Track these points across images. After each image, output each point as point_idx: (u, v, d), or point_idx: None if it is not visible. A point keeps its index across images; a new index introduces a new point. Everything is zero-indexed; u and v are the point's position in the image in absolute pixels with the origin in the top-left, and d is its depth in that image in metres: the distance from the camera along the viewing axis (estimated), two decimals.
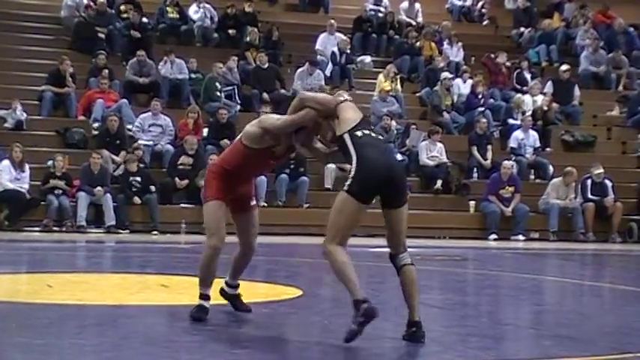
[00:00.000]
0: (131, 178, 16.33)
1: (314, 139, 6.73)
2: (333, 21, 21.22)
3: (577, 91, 20.91)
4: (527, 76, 21.09)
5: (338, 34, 21.00)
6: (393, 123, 18.68)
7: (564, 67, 21.12)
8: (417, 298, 6.32)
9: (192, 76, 19.17)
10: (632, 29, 23.38)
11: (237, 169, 6.81)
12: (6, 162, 15.89)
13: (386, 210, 6.34)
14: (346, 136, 6.25)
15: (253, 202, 7.13)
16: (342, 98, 6.50)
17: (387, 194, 6.27)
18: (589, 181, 17.94)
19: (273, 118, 6.84)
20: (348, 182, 6.20)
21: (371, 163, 6.17)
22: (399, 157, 17.27)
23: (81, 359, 5.61)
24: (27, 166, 16.00)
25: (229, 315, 7.24)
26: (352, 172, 6.20)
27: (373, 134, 6.41)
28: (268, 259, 12.30)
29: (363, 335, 6.21)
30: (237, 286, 7.24)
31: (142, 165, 16.70)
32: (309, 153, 6.91)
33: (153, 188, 16.29)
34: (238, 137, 6.96)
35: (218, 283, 7.10)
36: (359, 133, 6.27)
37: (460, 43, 21.71)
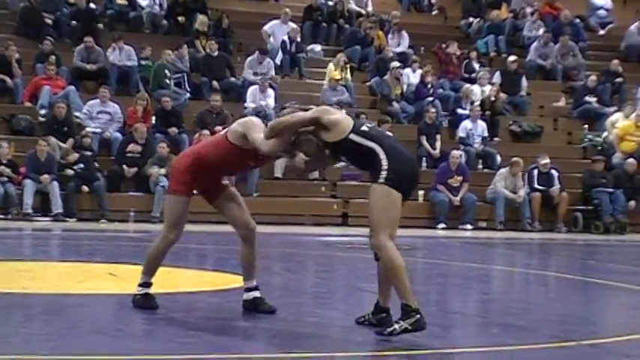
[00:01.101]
0: (79, 166, 16.19)
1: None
2: (288, 9, 21.18)
3: (524, 82, 21.07)
4: (476, 66, 21.21)
5: (289, 23, 20.96)
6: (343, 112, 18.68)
7: (512, 58, 21.25)
8: (390, 286, 6.34)
9: (142, 63, 19.04)
10: (577, 20, 23.59)
11: (215, 164, 6.67)
12: None
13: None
14: (353, 136, 6.16)
15: (225, 181, 6.96)
16: (314, 108, 6.44)
17: (413, 186, 6.35)
18: (535, 171, 18.08)
19: (259, 132, 6.47)
20: (383, 175, 6.06)
21: (401, 153, 6.19)
22: None
23: (27, 348, 5.57)
24: None
25: (175, 303, 7.23)
26: (384, 164, 6.07)
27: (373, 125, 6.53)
28: (218, 247, 12.31)
29: (313, 321, 6.23)
30: (256, 288, 7.01)
31: (88, 153, 16.56)
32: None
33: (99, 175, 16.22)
34: (224, 131, 6.85)
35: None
36: (365, 128, 6.23)
37: (404, 32, 21.70)
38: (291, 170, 6.67)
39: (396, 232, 6.25)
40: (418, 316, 6.03)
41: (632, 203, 18.26)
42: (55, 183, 15.81)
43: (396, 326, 6.06)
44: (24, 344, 5.71)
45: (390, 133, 6.55)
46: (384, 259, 6.16)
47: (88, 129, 17.13)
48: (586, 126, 20.58)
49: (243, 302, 7.00)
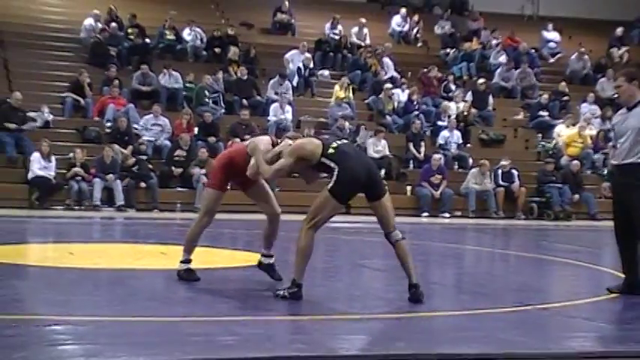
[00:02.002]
0: (137, 167, 16.23)
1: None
2: (305, 42, 21.16)
3: (491, 100, 21.01)
4: (453, 87, 21.17)
5: (305, 53, 20.93)
6: (347, 124, 18.70)
7: (481, 80, 21.21)
8: (411, 265, 6.27)
9: (187, 85, 19.04)
10: (533, 51, 23.56)
11: (242, 165, 6.66)
12: (36, 154, 15.72)
13: (370, 202, 6.28)
14: (323, 159, 6.15)
15: None
16: (289, 142, 6.37)
17: (368, 191, 6.25)
18: (499, 171, 18.07)
19: (260, 155, 6.45)
20: (330, 185, 6.10)
21: (352, 171, 6.10)
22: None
23: (95, 311, 5.58)
24: (53, 157, 15.83)
25: (213, 277, 7.24)
26: (334, 177, 6.09)
27: (345, 141, 6.37)
28: (248, 232, 12.32)
29: (326, 290, 6.24)
30: (271, 256, 7.08)
31: (143, 157, 16.58)
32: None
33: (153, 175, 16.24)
34: (247, 142, 6.83)
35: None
36: (331, 150, 6.17)
37: (387, 59, 21.53)
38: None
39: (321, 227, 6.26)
40: (296, 289, 6.06)
41: (576, 196, 18.22)
42: (118, 181, 15.84)
43: (281, 292, 6.12)
44: (93, 308, 5.73)
45: (352, 146, 6.36)
46: (298, 241, 6.19)
47: (143, 138, 17.16)
48: (540, 135, 20.52)
49: (259, 263, 7.08)
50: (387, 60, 21.53)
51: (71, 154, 16.11)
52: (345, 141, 6.42)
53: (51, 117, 17.41)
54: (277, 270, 7.02)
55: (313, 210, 6.19)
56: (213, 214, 6.83)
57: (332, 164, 6.12)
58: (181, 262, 6.88)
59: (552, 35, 24.74)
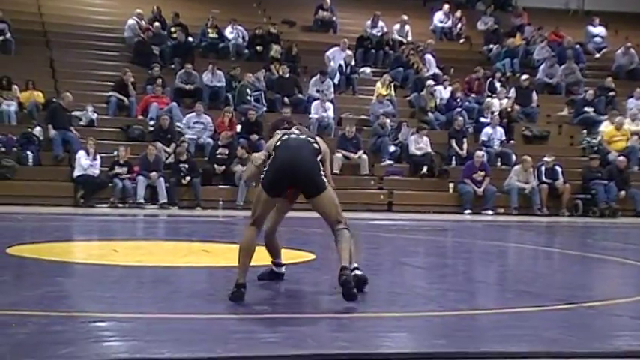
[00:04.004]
0: (180, 165, 16.38)
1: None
2: (345, 39, 21.17)
3: (534, 96, 20.82)
4: (497, 84, 21.01)
5: (346, 50, 20.91)
6: (388, 121, 18.65)
7: (524, 76, 21.03)
8: (345, 250, 6.02)
9: (234, 86, 19.03)
10: (578, 46, 23.28)
11: None
12: (82, 152, 15.94)
13: (306, 199, 6.17)
14: (272, 151, 6.14)
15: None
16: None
17: (302, 188, 6.13)
18: (543, 168, 17.91)
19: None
20: (261, 177, 6.12)
21: (276, 163, 6.03)
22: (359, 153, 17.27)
23: (139, 308, 5.64)
24: (98, 156, 16.03)
25: (254, 274, 7.25)
26: (265, 170, 6.11)
27: (294, 136, 6.19)
28: (287, 229, 12.32)
29: (367, 288, 6.22)
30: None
31: (188, 154, 16.72)
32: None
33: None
34: None
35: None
36: (278, 142, 6.12)
37: (430, 56, 21.42)
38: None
39: (264, 221, 6.16)
40: (235, 289, 5.87)
41: (622, 193, 17.97)
42: (162, 179, 15.97)
43: (229, 292, 5.91)
44: (137, 305, 5.79)
45: (302, 140, 6.20)
46: (242, 238, 6.13)
47: (186, 136, 17.28)
48: (584, 131, 20.26)
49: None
50: (429, 57, 21.43)
51: (115, 153, 16.29)
52: (302, 136, 6.22)
53: (95, 116, 17.63)
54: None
55: (252, 206, 6.20)
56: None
57: (272, 153, 6.11)
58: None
59: (598, 30, 24.42)
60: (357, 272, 6.23)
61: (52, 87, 18.22)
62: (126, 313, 5.42)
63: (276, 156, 6.06)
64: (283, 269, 6.82)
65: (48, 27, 20.49)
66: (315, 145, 6.15)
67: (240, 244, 6.09)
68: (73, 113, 17.14)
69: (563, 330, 5.36)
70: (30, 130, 16.60)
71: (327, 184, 6.10)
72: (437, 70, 21.28)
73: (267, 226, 6.49)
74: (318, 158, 6.13)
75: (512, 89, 20.67)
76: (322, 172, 6.09)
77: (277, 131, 6.53)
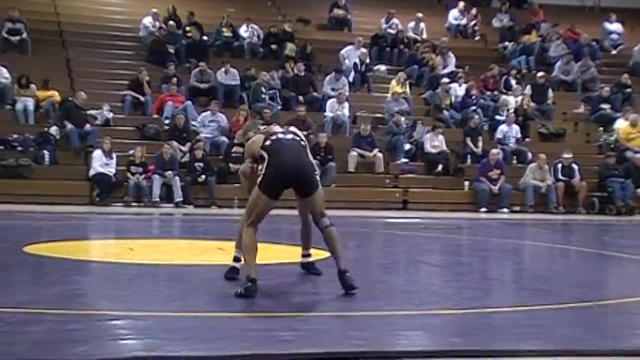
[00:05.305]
0: (196, 164, 16.42)
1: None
2: (360, 38, 21.15)
3: (550, 93, 20.74)
4: (513, 82, 20.95)
5: (361, 48, 20.90)
6: (403, 119, 18.64)
7: (540, 74, 20.96)
8: (339, 251, 6.19)
9: (248, 84, 19.03)
10: (594, 43, 23.17)
11: None
12: (98, 151, 16.01)
13: (298, 197, 6.25)
14: (260, 151, 6.19)
15: None
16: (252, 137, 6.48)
17: (298, 188, 6.19)
18: (559, 165, 17.85)
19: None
20: (259, 179, 6.13)
21: (279, 164, 6.06)
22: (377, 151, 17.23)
23: (155, 306, 5.67)
24: (114, 154, 16.11)
25: (271, 273, 7.27)
26: (263, 170, 6.11)
27: (288, 136, 6.22)
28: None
29: (383, 286, 6.22)
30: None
31: (203, 153, 16.76)
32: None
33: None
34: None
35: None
36: (268, 142, 6.17)
37: (450, 53, 21.49)
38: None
39: (261, 222, 6.22)
40: (250, 284, 5.91)
41: (639, 190, 17.88)
42: (177, 177, 16.03)
43: (239, 289, 5.97)
44: (153, 303, 5.81)
45: (294, 140, 6.25)
46: (242, 239, 6.21)
47: (201, 135, 17.33)
48: (601, 128, 20.17)
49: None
50: (450, 55, 21.35)
51: (131, 152, 16.35)
52: (288, 135, 6.24)
53: (111, 115, 17.71)
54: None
55: (247, 208, 6.21)
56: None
57: (265, 154, 6.13)
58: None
59: (614, 27, 24.30)
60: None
61: (68, 86, 18.32)
62: (141, 311, 5.44)
63: (274, 158, 6.07)
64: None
65: (64, 27, 20.60)
66: (303, 142, 6.27)
67: (246, 246, 6.14)
68: (89, 112, 17.22)
69: (579, 328, 5.35)
70: (46, 129, 16.71)
71: (319, 183, 6.25)
72: (455, 68, 21.23)
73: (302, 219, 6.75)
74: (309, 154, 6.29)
75: (528, 86, 20.61)
76: (317, 171, 6.25)
77: (250, 132, 6.53)
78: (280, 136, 6.20)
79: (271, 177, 6.05)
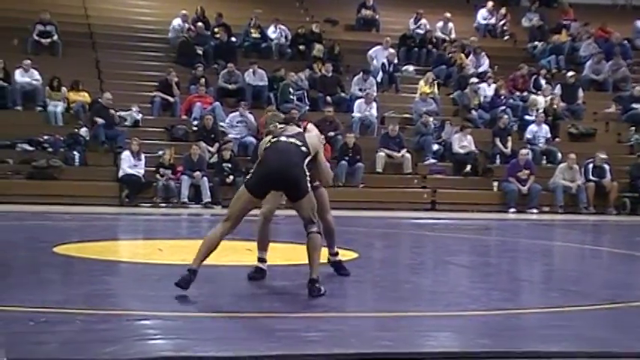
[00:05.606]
0: (224, 164, 16.48)
1: None
2: (388, 38, 21.12)
3: (580, 93, 20.59)
4: (542, 81, 20.81)
5: (389, 49, 20.86)
6: (431, 119, 18.59)
7: (570, 73, 20.81)
8: (316, 260, 6.14)
9: (276, 85, 19.06)
10: (625, 42, 22.96)
11: None
12: (127, 152, 16.13)
13: (289, 201, 6.26)
14: (262, 152, 6.32)
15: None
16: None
17: (287, 192, 6.22)
18: (590, 165, 17.73)
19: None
20: (248, 177, 6.23)
21: (264, 167, 6.13)
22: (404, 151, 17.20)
23: (183, 307, 5.69)
24: (142, 155, 16.22)
25: (298, 274, 7.28)
26: (252, 170, 6.22)
27: (283, 139, 6.23)
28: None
29: (411, 287, 6.18)
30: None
31: (232, 154, 16.82)
32: None
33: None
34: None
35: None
36: (267, 144, 6.27)
37: (484, 54, 21.46)
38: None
39: (240, 220, 6.22)
40: (186, 273, 5.96)
41: None
42: (205, 178, 16.10)
43: (179, 280, 5.98)
44: (181, 304, 5.83)
45: (289, 143, 6.23)
46: (210, 231, 6.24)
47: (229, 136, 17.39)
48: (633, 128, 19.97)
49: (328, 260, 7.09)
50: (481, 55, 21.24)
51: (160, 152, 16.45)
52: (291, 139, 6.22)
53: (140, 116, 17.83)
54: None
55: (231, 202, 6.27)
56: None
57: (260, 156, 6.24)
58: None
59: None
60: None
61: (98, 87, 18.46)
62: (170, 311, 5.48)
63: (264, 159, 6.17)
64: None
65: (94, 29, 20.77)
66: (303, 148, 6.19)
67: (206, 236, 6.20)
68: (118, 113, 17.34)
69: (609, 330, 5.30)
70: (76, 130, 16.86)
71: (309, 188, 6.17)
72: (486, 68, 21.12)
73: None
74: (306, 161, 6.20)
75: (558, 86, 20.46)
76: (307, 177, 6.15)
77: (270, 126, 6.53)
78: (282, 139, 6.24)
79: (257, 175, 6.13)
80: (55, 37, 19.39)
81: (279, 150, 6.17)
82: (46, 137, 16.65)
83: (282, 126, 6.49)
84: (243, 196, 6.16)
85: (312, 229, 6.17)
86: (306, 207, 6.17)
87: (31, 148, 16.50)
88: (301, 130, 6.47)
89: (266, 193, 6.24)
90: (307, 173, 6.18)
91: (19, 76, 17.75)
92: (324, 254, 7.20)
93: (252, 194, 6.12)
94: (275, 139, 6.25)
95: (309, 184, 6.18)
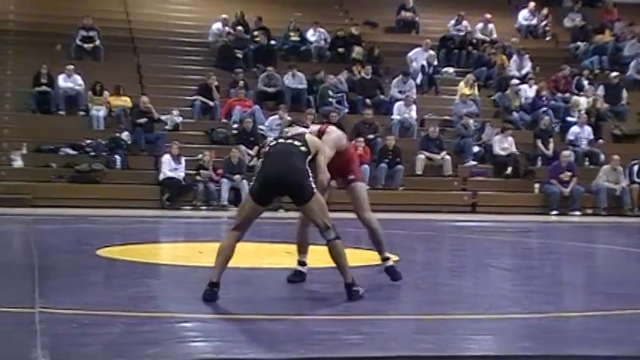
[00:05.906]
0: None
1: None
2: (428, 40, 21.03)
3: (624, 93, 20.33)
4: (585, 82, 20.58)
5: (429, 51, 20.79)
6: (471, 121, 18.49)
7: (614, 74, 20.56)
8: (344, 265, 6.02)
9: (316, 88, 19.07)
10: None
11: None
12: (167, 155, 16.27)
13: (296, 205, 6.16)
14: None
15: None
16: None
17: (290, 196, 6.10)
18: (635, 167, 17.52)
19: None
20: (252, 183, 6.14)
21: (264, 172, 6.06)
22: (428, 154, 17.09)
23: (224, 309, 5.73)
24: (182, 159, 16.34)
25: (338, 275, 7.27)
26: (254, 177, 6.15)
27: (282, 140, 6.16)
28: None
29: (451, 290, 6.14)
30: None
31: None
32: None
33: None
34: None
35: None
36: (267, 148, 6.22)
37: (527, 56, 21.29)
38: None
39: (248, 227, 6.14)
40: (207, 288, 5.87)
41: None
42: (245, 181, 16.16)
43: (203, 293, 5.90)
44: (222, 306, 5.86)
45: (288, 145, 6.13)
46: (221, 241, 6.18)
47: (269, 139, 17.42)
48: None
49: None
50: (525, 56, 21.07)
51: (200, 156, 16.57)
52: (289, 140, 6.12)
53: (180, 119, 17.98)
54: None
55: (237, 210, 6.23)
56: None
57: (260, 161, 6.20)
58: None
59: None
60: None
61: (139, 92, 18.64)
62: (210, 314, 5.51)
63: (264, 164, 6.12)
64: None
65: (135, 33, 20.99)
66: (303, 148, 6.05)
67: (219, 247, 6.13)
68: (160, 117, 17.50)
69: None
70: (118, 134, 17.05)
71: (314, 190, 5.99)
72: (529, 69, 20.94)
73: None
74: (307, 161, 6.06)
75: (601, 87, 20.22)
76: (311, 178, 5.99)
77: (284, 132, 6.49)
78: (280, 140, 6.21)
79: (258, 182, 6.05)
80: (98, 43, 19.62)
81: (278, 153, 6.07)
82: (88, 141, 16.87)
83: (287, 129, 6.49)
84: (247, 204, 6.10)
85: (330, 236, 5.96)
86: (317, 211, 5.97)
87: (73, 152, 16.73)
88: (304, 130, 6.39)
89: (270, 200, 6.09)
90: (310, 174, 6.01)
91: (62, 81, 18.01)
92: (376, 258, 7.14)
93: (256, 202, 6.01)
94: (274, 142, 6.22)
95: (313, 185, 5.98)
